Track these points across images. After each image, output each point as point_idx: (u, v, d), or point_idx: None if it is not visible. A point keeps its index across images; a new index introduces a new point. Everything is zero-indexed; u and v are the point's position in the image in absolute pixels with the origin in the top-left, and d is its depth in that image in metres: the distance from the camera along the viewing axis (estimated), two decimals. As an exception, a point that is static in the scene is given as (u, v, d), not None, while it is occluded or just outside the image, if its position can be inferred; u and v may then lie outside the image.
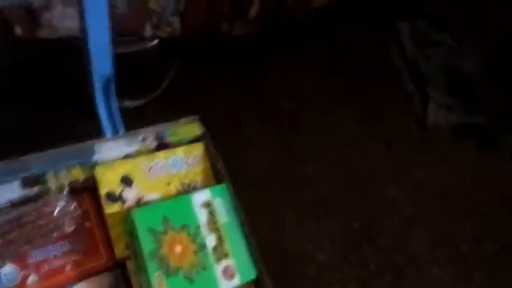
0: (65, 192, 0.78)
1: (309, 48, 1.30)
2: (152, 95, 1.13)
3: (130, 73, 1.02)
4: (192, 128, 0.82)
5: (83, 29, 0.81)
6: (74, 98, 1.16)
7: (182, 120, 0.82)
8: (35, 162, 0.77)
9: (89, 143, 0.79)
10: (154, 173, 0.79)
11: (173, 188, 0.79)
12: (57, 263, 0.73)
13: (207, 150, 0.81)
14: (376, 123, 1.27)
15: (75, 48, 0.88)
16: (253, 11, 1.16)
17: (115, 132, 0.86)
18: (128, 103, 1.18)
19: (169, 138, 0.82)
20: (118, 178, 0.78)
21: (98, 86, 0.85)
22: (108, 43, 0.81)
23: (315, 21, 1.27)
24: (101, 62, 0.83)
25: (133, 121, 0.93)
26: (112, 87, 0.85)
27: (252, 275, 0.74)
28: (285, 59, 1.27)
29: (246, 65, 1.23)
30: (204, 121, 0.87)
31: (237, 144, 1.15)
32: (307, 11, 1.22)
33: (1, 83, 1.15)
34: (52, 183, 0.76)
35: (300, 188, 1.17)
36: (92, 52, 0.82)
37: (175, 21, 1.10)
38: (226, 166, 0.84)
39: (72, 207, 0.77)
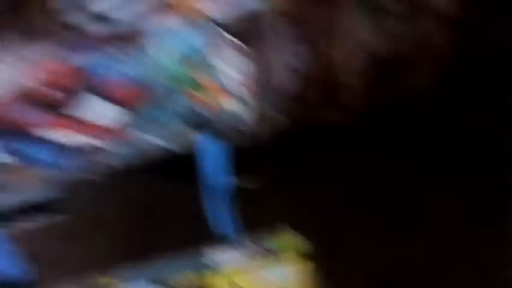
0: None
1: (409, 137, 1.28)
2: (261, 184, 1.21)
3: (243, 163, 1.13)
4: (292, 239, 0.90)
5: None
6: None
7: (280, 232, 0.90)
8: (157, 267, 0.90)
9: (201, 251, 0.90)
10: (258, 280, 0.87)
11: (275, 296, 0.86)
12: None
13: (307, 267, 0.88)
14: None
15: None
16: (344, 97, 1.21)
17: (227, 236, 0.97)
18: (242, 183, 1.27)
19: (272, 247, 0.90)
20: (226, 284, 0.87)
21: (214, 200, 0.97)
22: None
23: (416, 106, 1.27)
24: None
25: (244, 207, 1.02)
26: (228, 206, 0.97)
27: None
28: (388, 149, 1.27)
29: (348, 154, 1.26)
30: (307, 219, 0.94)
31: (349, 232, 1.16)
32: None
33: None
34: (174, 285, 0.89)
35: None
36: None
37: (280, 119, 1.20)
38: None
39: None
